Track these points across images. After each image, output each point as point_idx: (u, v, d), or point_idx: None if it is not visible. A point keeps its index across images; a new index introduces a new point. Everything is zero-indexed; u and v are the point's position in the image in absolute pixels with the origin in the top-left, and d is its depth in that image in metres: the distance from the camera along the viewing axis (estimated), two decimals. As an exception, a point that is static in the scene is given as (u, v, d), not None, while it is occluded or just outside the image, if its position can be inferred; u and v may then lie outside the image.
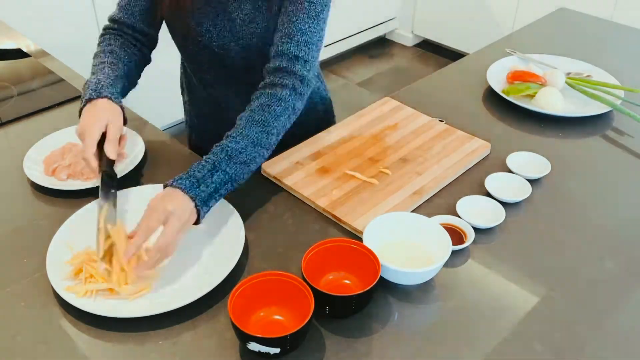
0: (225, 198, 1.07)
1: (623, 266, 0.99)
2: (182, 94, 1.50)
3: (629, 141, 1.32)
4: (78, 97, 1.44)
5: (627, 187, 1.18)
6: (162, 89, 2.87)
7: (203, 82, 1.32)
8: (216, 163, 0.97)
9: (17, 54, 1.66)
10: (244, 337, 0.79)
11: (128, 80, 1.21)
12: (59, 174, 1.15)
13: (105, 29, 1.25)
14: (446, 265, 0.97)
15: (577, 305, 0.92)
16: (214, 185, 0.96)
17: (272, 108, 1.04)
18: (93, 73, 1.15)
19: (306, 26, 1.09)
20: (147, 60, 1.30)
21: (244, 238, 0.98)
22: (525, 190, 1.11)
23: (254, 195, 1.13)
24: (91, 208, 1.05)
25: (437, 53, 3.95)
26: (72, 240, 0.98)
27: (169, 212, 0.91)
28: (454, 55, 3.79)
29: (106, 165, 1.04)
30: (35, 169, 1.17)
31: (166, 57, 2.95)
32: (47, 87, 1.49)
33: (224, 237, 1.00)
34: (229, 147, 1.00)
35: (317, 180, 1.13)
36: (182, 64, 1.43)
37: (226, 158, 0.99)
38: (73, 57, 2.07)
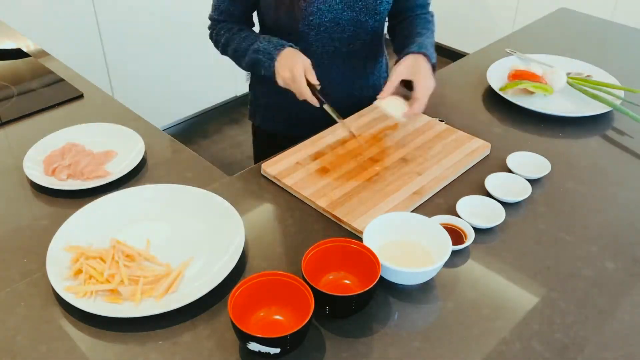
0: (225, 198, 1.07)
1: (623, 266, 0.99)
2: (253, 87, 1.52)
3: (629, 141, 1.32)
4: (78, 97, 1.44)
5: (627, 187, 1.18)
6: (162, 89, 2.87)
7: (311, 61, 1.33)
8: (429, 42, 1.29)
9: (17, 54, 1.66)
10: (244, 337, 0.79)
11: None
12: (59, 174, 1.15)
13: (212, 26, 1.36)
14: (446, 265, 0.97)
15: (577, 305, 0.92)
16: (434, 55, 1.27)
17: (432, 23, 1.39)
18: (251, 43, 1.26)
19: None
20: None
21: (244, 238, 0.98)
22: (525, 190, 1.11)
23: (254, 195, 1.13)
24: (91, 208, 1.06)
25: (437, 53, 3.94)
26: (72, 240, 0.98)
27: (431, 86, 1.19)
28: (454, 55, 3.79)
29: (315, 92, 1.18)
30: (35, 169, 1.17)
31: (166, 57, 2.96)
32: (47, 87, 1.49)
33: (224, 237, 1.00)
34: (430, 32, 1.32)
35: (317, 180, 1.13)
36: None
37: (431, 40, 1.31)
38: (73, 57, 2.07)
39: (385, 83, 1.21)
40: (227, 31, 1.32)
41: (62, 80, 1.51)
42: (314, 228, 1.05)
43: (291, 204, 1.11)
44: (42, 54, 1.66)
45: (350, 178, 1.14)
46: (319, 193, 1.10)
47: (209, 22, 1.37)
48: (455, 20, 3.69)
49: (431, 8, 1.42)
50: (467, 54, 1.75)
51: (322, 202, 1.08)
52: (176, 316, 0.88)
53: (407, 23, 1.37)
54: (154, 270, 0.94)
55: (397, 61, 1.24)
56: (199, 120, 3.17)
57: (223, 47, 1.33)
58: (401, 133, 1.28)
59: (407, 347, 0.84)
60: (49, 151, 1.21)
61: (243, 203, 1.09)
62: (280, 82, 1.21)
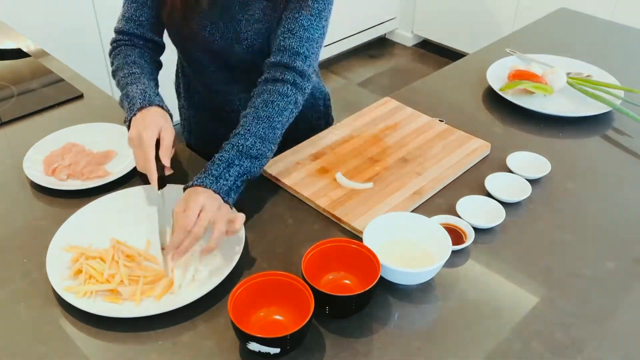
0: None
1: (623, 266, 0.99)
2: (178, 98, 1.49)
3: (629, 141, 1.32)
4: (78, 97, 1.44)
5: (627, 187, 1.18)
6: (161, 89, 2.87)
7: (205, 85, 1.32)
8: (229, 159, 1.01)
9: (17, 54, 1.66)
10: (244, 337, 0.79)
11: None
12: (59, 174, 1.15)
13: (116, 41, 1.24)
14: (446, 265, 0.97)
15: (577, 305, 0.92)
16: (232, 178, 1.00)
17: (276, 103, 1.07)
18: (128, 84, 1.13)
19: (308, 22, 1.11)
20: (160, 66, 1.31)
21: (244, 238, 0.98)
22: (525, 190, 1.11)
23: (254, 195, 1.13)
24: (91, 208, 1.05)
25: (437, 53, 3.95)
26: (72, 240, 0.98)
27: (201, 204, 0.93)
28: (454, 55, 3.79)
29: (160, 170, 1.02)
30: (35, 169, 1.17)
31: (166, 57, 2.95)
32: (47, 87, 1.49)
33: (224, 237, 1.00)
34: (238, 143, 1.03)
35: (317, 180, 1.13)
36: (180, 68, 1.42)
37: (238, 154, 1.02)
38: (73, 57, 2.07)
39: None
40: (123, 57, 1.19)
41: (62, 80, 1.51)
42: (314, 228, 1.05)
43: (291, 204, 1.11)
44: (42, 54, 1.66)
45: (350, 178, 1.14)
46: (319, 193, 1.10)
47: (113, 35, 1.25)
48: (455, 20, 3.69)
49: (305, 66, 1.10)
50: (467, 54, 1.75)
51: (322, 202, 1.08)
52: (176, 316, 0.88)
53: (254, 94, 1.11)
54: (154, 270, 0.94)
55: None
56: (199, 120, 3.16)
57: (113, 74, 1.20)
58: (401, 133, 1.28)
59: (407, 347, 0.84)
60: (49, 151, 1.21)
61: (243, 203, 1.09)
62: (128, 142, 1.06)
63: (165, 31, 1.27)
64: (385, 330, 0.87)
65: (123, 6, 1.23)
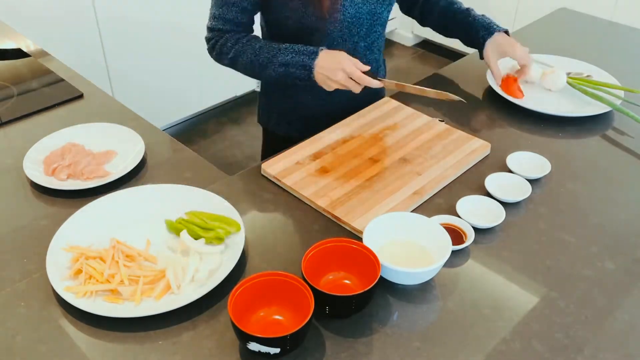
0: (225, 198, 1.07)
1: (623, 266, 0.99)
2: (265, 94, 1.51)
3: (629, 141, 1.32)
4: (78, 97, 1.44)
5: (627, 187, 1.18)
6: (162, 89, 2.87)
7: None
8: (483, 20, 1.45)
9: (17, 54, 1.66)
10: (244, 337, 0.79)
11: None
12: (59, 174, 1.15)
13: (213, 37, 1.30)
14: (446, 265, 0.97)
15: (577, 305, 0.92)
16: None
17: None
18: (273, 56, 1.23)
19: None
20: None
21: (244, 238, 0.98)
22: (525, 190, 1.11)
23: (254, 195, 1.13)
24: (91, 208, 1.05)
25: (437, 53, 3.95)
26: (72, 240, 0.98)
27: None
28: (454, 55, 3.79)
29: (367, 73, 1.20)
30: (35, 169, 1.17)
31: (166, 57, 2.96)
32: (47, 87, 1.49)
33: (225, 236, 1.00)
34: (479, 23, 1.43)
35: (317, 180, 1.13)
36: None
37: (486, 20, 1.46)
38: (73, 57, 2.08)
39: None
40: (234, 43, 1.28)
41: (62, 80, 1.51)
42: (314, 228, 1.05)
43: (291, 204, 1.11)
44: (42, 54, 1.66)
45: (350, 178, 1.14)
46: (319, 193, 1.10)
47: (207, 33, 1.32)
48: (455, 20, 3.69)
49: None
50: (467, 54, 1.75)
51: (322, 202, 1.08)
52: (176, 316, 0.88)
53: (431, 3, 1.47)
54: (154, 270, 0.94)
55: (484, 52, 1.42)
56: (199, 120, 3.17)
57: (231, 60, 1.29)
58: (401, 133, 1.28)
59: (407, 347, 0.84)
60: (49, 151, 1.21)
61: (243, 203, 1.09)
62: (334, 86, 1.21)
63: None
64: (385, 330, 0.87)
65: (218, 7, 1.28)
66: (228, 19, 1.27)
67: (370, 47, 1.39)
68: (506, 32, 1.41)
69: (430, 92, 1.26)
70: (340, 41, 1.31)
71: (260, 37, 1.32)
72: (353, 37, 1.33)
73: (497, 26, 1.41)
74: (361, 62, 1.25)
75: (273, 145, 1.56)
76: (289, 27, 1.29)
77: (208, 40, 1.32)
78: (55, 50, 1.77)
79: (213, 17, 1.29)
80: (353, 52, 1.32)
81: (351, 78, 1.20)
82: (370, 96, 1.37)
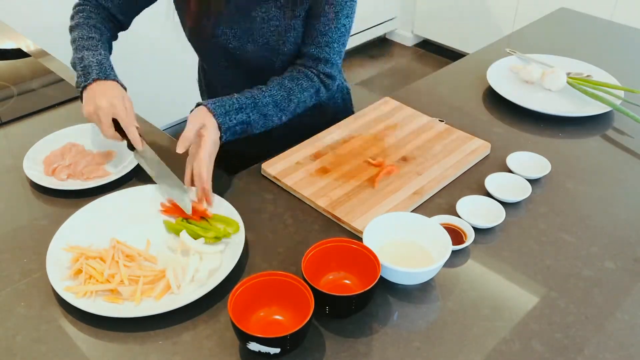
0: (225, 198, 1.07)
1: (623, 266, 0.99)
2: (201, 94, 1.52)
3: (629, 141, 1.32)
4: (78, 97, 1.44)
5: (627, 187, 1.18)
6: (161, 89, 2.87)
7: (222, 83, 1.34)
8: (243, 105, 1.10)
9: (17, 54, 1.66)
10: (244, 337, 0.79)
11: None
12: (59, 174, 1.15)
13: (80, 4, 1.24)
14: (446, 265, 0.97)
15: (577, 305, 0.92)
16: (236, 121, 1.09)
17: (300, 82, 1.18)
18: (85, 48, 1.15)
19: (328, 27, 1.18)
20: (115, 39, 1.31)
21: (244, 238, 0.98)
22: (525, 190, 1.11)
23: (254, 195, 1.13)
24: (91, 208, 1.05)
25: (437, 53, 3.96)
26: (72, 240, 0.98)
27: (203, 124, 1.04)
28: (454, 55, 3.79)
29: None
30: (35, 169, 1.17)
31: (166, 57, 2.96)
32: (47, 87, 1.49)
33: (224, 237, 1.00)
34: (256, 96, 1.12)
35: (317, 180, 1.13)
36: (200, 65, 1.45)
37: (252, 104, 1.11)
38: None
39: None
40: (83, 19, 1.19)
41: (62, 80, 1.51)
42: (314, 228, 1.05)
43: (291, 204, 1.11)
44: (42, 54, 1.66)
45: (350, 178, 1.14)
46: (319, 193, 1.10)
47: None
48: (455, 20, 3.69)
49: (330, 70, 1.21)
50: (467, 54, 1.75)
51: (322, 202, 1.08)
52: (176, 316, 0.88)
53: (286, 71, 1.21)
54: (154, 270, 0.94)
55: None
56: (199, 120, 3.16)
57: (70, 29, 1.20)
58: (401, 133, 1.28)
59: (407, 347, 0.84)
60: (49, 151, 1.21)
61: (243, 203, 1.09)
62: (90, 109, 1.08)
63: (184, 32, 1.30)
64: (385, 330, 0.87)
65: None
66: None
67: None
68: (224, 128, 1.08)
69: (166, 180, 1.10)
70: (228, 71, 1.28)
71: (100, 27, 1.21)
72: (243, 71, 1.26)
73: (227, 119, 1.08)
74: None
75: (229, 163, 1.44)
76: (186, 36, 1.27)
77: (74, 8, 1.25)
78: (55, 50, 1.77)
79: None
80: (246, 86, 1.18)
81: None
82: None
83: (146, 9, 1.31)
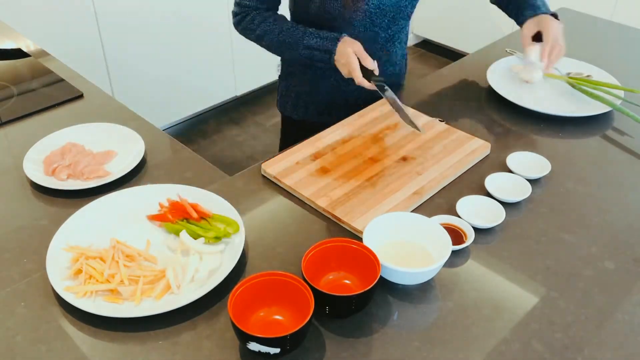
0: (225, 198, 1.07)
1: (623, 266, 0.99)
2: (283, 79, 1.56)
3: (629, 141, 1.32)
4: (78, 97, 1.44)
5: (627, 187, 1.18)
6: (162, 89, 2.88)
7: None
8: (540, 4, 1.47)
9: (17, 54, 1.66)
10: (244, 337, 0.79)
11: None
12: (59, 174, 1.15)
13: (240, 13, 1.36)
14: (446, 265, 0.97)
15: (577, 305, 0.92)
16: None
17: None
18: (299, 36, 1.29)
19: None
20: None
21: (244, 238, 0.98)
22: (525, 190, 1.11)
23: (254, 195, 1.13)
24: (91, 208, 1.06)
25: (437, 53, 3.95)
26: (72, 240, 0.98)
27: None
28: (454, 55, 3.79)
29: (372, 75, 1.25)
30: (35, 169, 1.17)
31: (166, 57, 2.96)
32: (47, 87, 1.49)
33: (224, 237, 1.00)
34: (535, 4, 1.44)
35: (317, 180, 1.13)
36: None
37: (542, 5, 1.47)
38: (73, 57, 2.08)
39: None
40: (262, 21, 1.33)
41: (62, 80, 1.51)
42: (314, 228, 1.05)
43: (291, 204, 1.11)
44: (42, 54, 1.66)
45: (350, 178, 1.14)
46: (319, 193, 1.10)
47: (234, 7, 1.37)
48: (455, 20, 3.69)
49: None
50: (467, 54, 1.75)
51: (322, 202, 1.08)
52: (176, 316, 0.88)
53: None
54: (154, 270, 0.94)
55: (522, 27, 1.43)
56: (199, 120, 3.17)
57: (258, 37, 1.35)
58: (401, 133, 1.28)
59: (407, 347, 0.84)
60: (49, 151, 1.21)
61: (243, 203, 1.09)
62: (343, 72, 1.26)
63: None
64: (385, 330, 0.87)
65: None
66: None
67: (391, 39, 1.42)
68: (554, 15, 1.42)
69: (405, 118, 1.25)
70: (361, 30, 1.35)
71: (286, 18, 1.36)
72: (374, 28, 1.36)
73: (549, 11, 1.43)
74: (380, 53, 1.33)
75: (291, 132, 1.61)
76: (312, 12, 1.33)
77: (235, 14, 1.38)
78: (55, 50, 1.77)
79: None
80: (372, 42, 1.38)
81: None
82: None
83: None
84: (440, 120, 1.33)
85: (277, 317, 0.86)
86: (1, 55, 1.68)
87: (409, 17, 1.42)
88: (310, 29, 1.30)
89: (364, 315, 0.89)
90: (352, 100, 1.44)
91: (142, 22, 2.65)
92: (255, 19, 1.34)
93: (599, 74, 1.53)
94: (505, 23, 3.45)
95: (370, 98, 1.38)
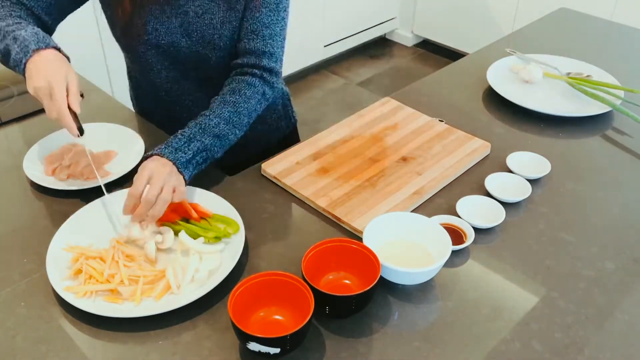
0: (225, 198, 1.07)
1: (623, 266, 0.99)
2: (133, 105, 1.46)
3: (629, 141, 1.32)
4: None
5: (626, 187, 1.18)
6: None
7: (154, 86, 1.28)
8: (191, 135, 1.05)
9: (17, 54, 1.66)
10: (244, 337, 0.79)
11: None
12: (59, 174, 1.15)
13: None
14: (446, 265, 0.97)
15: (577, 305, 0.92)
16: (190, 152, 1.04)
17: (243, 91, 1.13)
18: (15, 30, 1.05)
19: (269, 19, 1.14)
20: None
21: (244, 238, 0.98)
22: (525, 190, 1.11)
23: (254, 195, 1.13)
24: (91, 208, 1.05)
25: (437, 53, 3.96)
26: (72, 240, 0.98)
27: (151, 171, 0.98)
28: (454, 55, 3.79)
29: (76, 120, 1.01)
30: (35, 169, 1.17)
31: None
32: (47, 87, 1.49)
33: (224, 237, 1.00)
34: (202, 122, 1.07)
35: (317, 180, 1.13)
36: (128, 73, 1.39)
37: (200, 131, 1.06)
38: (73, 57, 2.07)
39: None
40: (8, 10, 1.10)
41: (62, 80, 1.51)
42: (314, 228, 1.05)
43: (291, 204, 1.11)
44: (42, 54, 1.66)
45: (350, 178, 1.14)
46: (319, 193, 1.10)
47: None
48: (455, 20, 3.70)
49: (272, 63, 1.16)
50: (467, 54, 1.75)
51: (322, 202, 1.08)
52: (176, 316, 0.88)
53: (224, 85, 1.16)
54: (154, 270, 0.94)
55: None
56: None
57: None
58: (401, 133, 1.28)
59: (407, 347, 0.84)
60: (49, 151, 1.21)
61: (243, 203, 1.09)
62: (31, 90, 1.00)
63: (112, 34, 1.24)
64: (385, 330, 0.87)
65: None
66: None
67: (201, 86, 1.23)
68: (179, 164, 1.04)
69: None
70: (160, 67, 1.22)
71: (28, 19, 1.13)
72: (177, 67, 1.21)
73: (178, 156, 1.03)
74: (196, 95, 1.20)
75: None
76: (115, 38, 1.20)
77: None
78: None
79: None
80: (180, 83, 1.24)
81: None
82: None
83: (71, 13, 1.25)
84: (440, 120, 1.33)
85: (277, 317, 0.86)
86: (1, 55, 1.68)
87: (224, 68, 1.19)
88: (38, 28, 1.06)
89: (364, 315, 0.89)
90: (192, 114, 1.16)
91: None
92: (4, 6, 1.11)
93: (599, 74, 1.53)
94: (505, 23, 3.47)
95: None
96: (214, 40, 1.16)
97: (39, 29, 1.07)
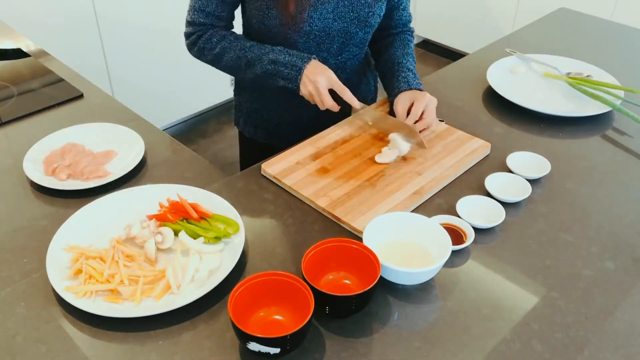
0: (225, 198, 1.07)
1: (623, 266, 0.99)
2: (238, 94, 1.49)
3: (629, 141, 1.32)
4: (78, 97, 1.44)
5: (626, 187, 1.18)
6: (162, 89, 2.87)
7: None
8: (414, 74, 1.35)
9: (17, 54, 1.66)
10: (244, 337, 0.79)
11: None
12: (59, 174, 1.15)
13: (194, 32, 1.28)
14: (446, 265, 0.97)
15: (577, 305, 0.92)
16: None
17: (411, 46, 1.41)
18: (262, 53, 1.22)
19: None
20: None
21: (244, 238, 0.98)
22: (525, 190, 1.11)
23: (254, 195, 1.13)
24: (91, 208, 1.06)
25: (437, 53, 3.95)
26: (72, 240, 0.98)
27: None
28: (454, 55, 3.79)
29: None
30: (35, 169, 1.17)
31: (166, 57, 2.96)
32: (47, 87, 1.49)
33: (224, 237, 1.00)
34: (408, 77, 1.31)
35: (317, 180, 1.13)
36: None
37: (413, 76, 1.32)
38: (73, 57, 2.07)
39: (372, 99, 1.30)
40: (221, 39, 1.26)
41: (62, 80, 1.51)
42: (314, 228, 1.05)
43: (291, 204, 1.11)
44: (42, 54, 1.66)
45: (350, 178, 1.14)
46: (319, 193, 1.10)
47: (187, 27, 1.28)
48: (455, 20, 3.69)
49: (412, 24, 1.44)
50: (467, 54, 1.75)
51: (322, 202, 1.08)
52: (176, 316, 0.88)
53: (388, 43, 1.40)
54: (154, 270, 0.94)
55: (391, 101, 1.31)
56: (199, 120, 3.17)
57: (216, 56, 1.27)
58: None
59: (407, 347, 0.84)
60: (49, 151, 1.21)
61: (243, 203, 1.09)
62: (305, 93, 1.21)
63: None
64: (385, 330, 0.87)
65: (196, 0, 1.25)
66: (209, 12, 1.25)
67: (343, 66, 1.33)
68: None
69: (405, 129, 1.23)
70: (306, 54, 1.26)
71: (245, 37, 1.29)
72: (322, 52, 1.28)
73: (419, 86, 1.29)
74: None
75: (244, 148, 1.56)
76: (254, 28, 1.26)
77: (188, 35, 1.29)
78: (55, 50, 1.77)
79: (193, 9, 1.26)
80: None
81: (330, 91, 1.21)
82: (334, 115, 1.26)
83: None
84: (440, 120, 1.33)
85: (277, 317, 0.86)
86: (1, 55, 1.68)
87: (364, 45, 1.34)
88: (279, 47, 1.23)
89: (364, 315, 0.89)
90: (299, 126, 1.37)
91: (142, 22, 2.65)
92: (213, 37, 1.26)
93: (599, 74, 1.53)
94: (505, 23, 3.46)
95: (320, 123, 1.30)
96: (366, 18, 1.26)
97: (284, 49, 1.23)
